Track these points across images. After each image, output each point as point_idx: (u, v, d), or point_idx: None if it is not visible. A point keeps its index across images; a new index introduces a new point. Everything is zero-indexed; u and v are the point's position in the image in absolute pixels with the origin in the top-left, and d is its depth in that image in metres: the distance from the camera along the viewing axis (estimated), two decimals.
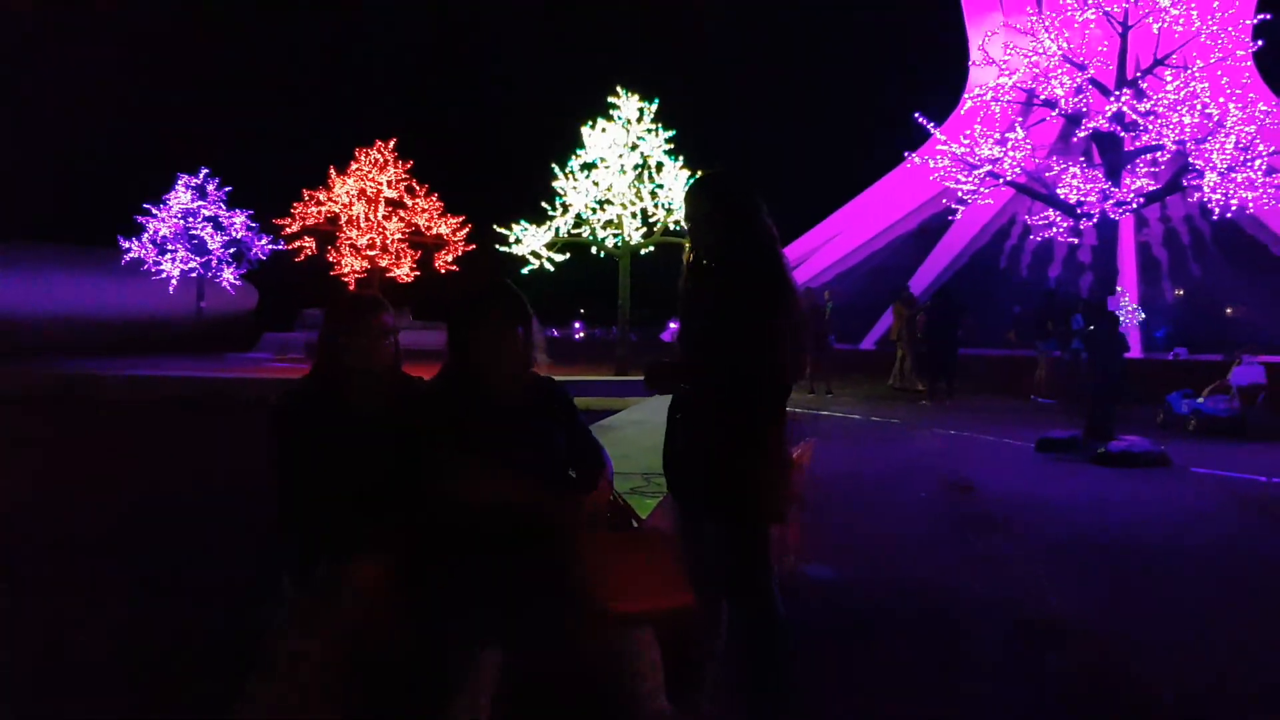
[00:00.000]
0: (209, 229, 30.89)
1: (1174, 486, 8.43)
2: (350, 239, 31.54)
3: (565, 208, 21.81)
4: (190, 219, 30.77)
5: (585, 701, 2.52)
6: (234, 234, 31.15)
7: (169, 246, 30.46)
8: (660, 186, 21.65)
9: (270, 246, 31.56)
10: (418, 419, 2.76)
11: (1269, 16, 12.46)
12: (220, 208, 31.04)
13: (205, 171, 31.19)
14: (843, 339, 24.58)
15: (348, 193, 31.56)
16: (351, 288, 29.11)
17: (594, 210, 21.73)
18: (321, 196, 31.48)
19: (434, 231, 32.30)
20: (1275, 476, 8.78)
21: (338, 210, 31.54)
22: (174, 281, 30.57)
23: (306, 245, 30.99)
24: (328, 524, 2.77)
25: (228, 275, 31.35)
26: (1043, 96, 10.54)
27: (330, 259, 31.45)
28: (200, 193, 31.03)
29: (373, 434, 2.84)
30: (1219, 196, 9.90)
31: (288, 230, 31.04)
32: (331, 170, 31.78)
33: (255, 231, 31.46)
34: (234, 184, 31.65)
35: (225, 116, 46.84)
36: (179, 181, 30.82)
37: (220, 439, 11.36)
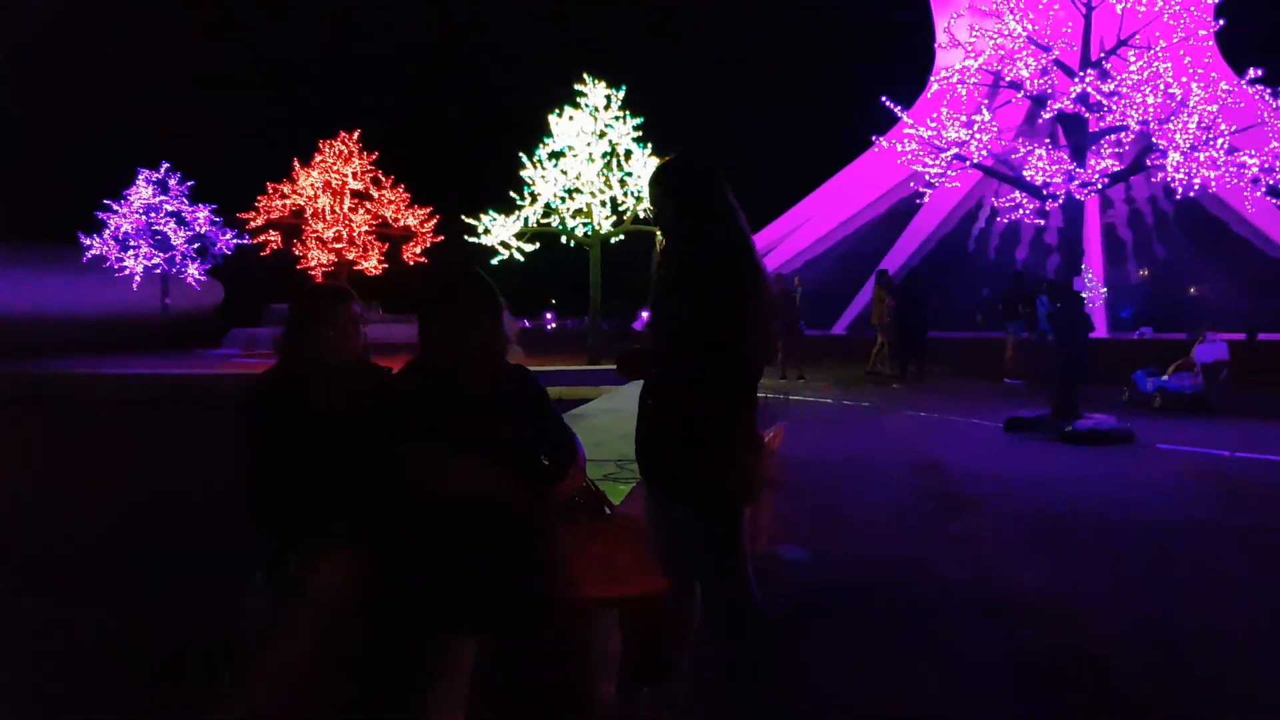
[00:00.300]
0: (172, 224, 30.40)
1: (1139, 463, 8.55)
2: (316, 232, 31.21)
3: (534, 197, 21.70)
4: (152, 215, 30.25)
5: (541, 688, 2.52)
6: (197, 229, 30.66)
7: (131, 243, 29.95)
8: (629, 174, 21.59)
9: (235, 241, 31.14)
10: (387, 410, 2.72)
11: None
12: (183, 203, 30.53)
13: (166, 166, 30.69)
14: (814, 325, 24.68)
15: (312, 185, 31.21)
16: (319, 280, 28.74)
17: (563, 199, 21.65)
18: (286, 189, 31.11)
19: (401, 223, 32.05)
20: (1238, 451, 8.92)
21: (303, 203, 31.18)
22: (137, 278, 30.09)
23: (271, 239, 30.63)
24: (298, 518, 2.74)
25: (192, 271, 30.88)
26: (1008, 78, 10.56)
27: (296, 253, 31.09)
28: (162, 188, 30.51)
29: (341, 426, 2.80)
30: (1182, 176, 9.99)
31: (252, 224, 30.66)
32: (295, 163, 31.42)
33: (219, 226, 30.99)
34: (196, 178, 31.18)
35: (186, 110, 46.18)
36: (140, 177, 30.31)
37: (200, 436, 11.22)
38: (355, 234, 31.59)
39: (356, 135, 31.95)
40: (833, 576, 5.01)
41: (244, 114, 47.51)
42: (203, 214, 30.61)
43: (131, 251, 29.92)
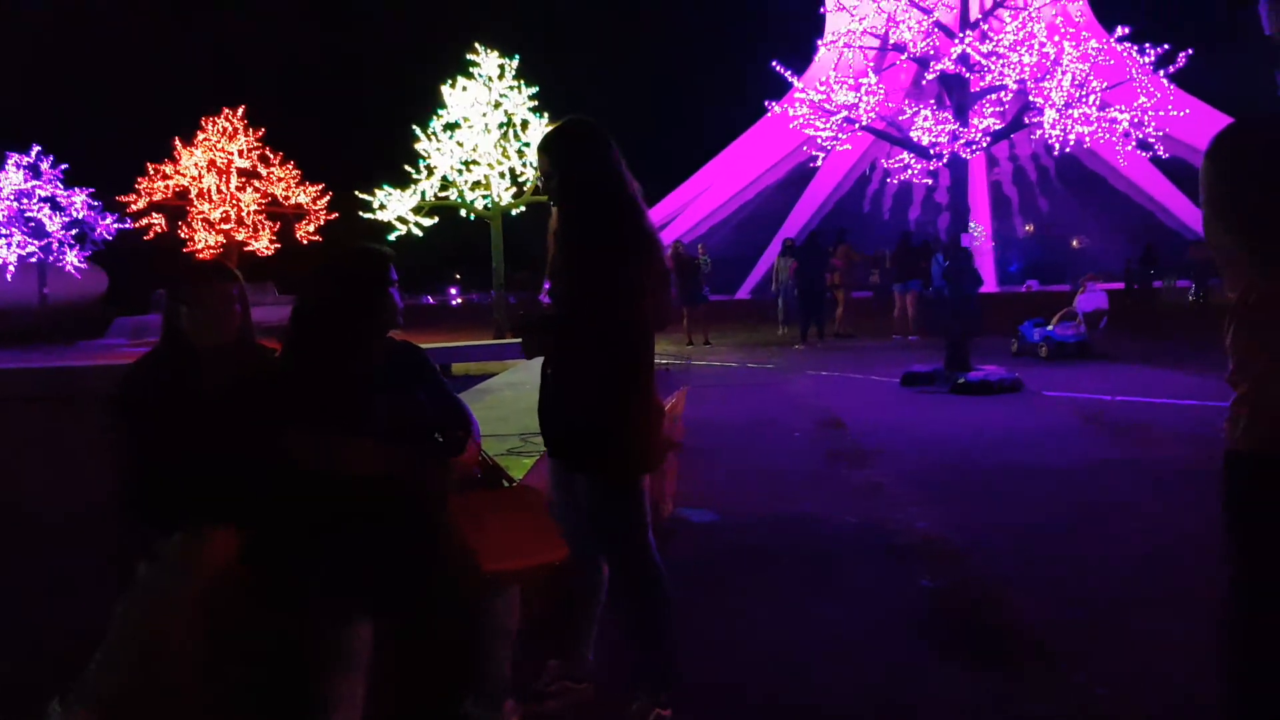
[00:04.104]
0: (46, 210, 28.85)
1: (1027, 410, 8.93)
2: (202, 213, 30.09)
3: (430, 170, 21.29)
4: (24, 200, 28.65)
5: (442, 664, 2.52)
6: (75, 214, 29.16)
7: (3, 231, 28.35)
8: (527, 145, 21.33)
9: (116, 226, 29.73)
10: (271, 392, 2.66)
11: None
12: (57, 187, 28.97)
13: (38, 149, 29.05)
14: (718, 289, 24.95)
15: (196, 165, 30.02)
16: (194, 260, 27.74)
17: (460, 172, 21.29)
18: (168, 170, 29.85)
19: (292, 201, 31.10)
20: (1119, 395, 9.39)
21: (187, 184, 29.98)
22: (11, 268, 28.51)
23: (155, 222, 29.42)
24: (179, 505, 2.66)
25: (71, 259, 29.38)
26: (893, 41, 10.78)
27: (182, 235, 29.92)
28: (34, 172, 28.90)
29: (223, 409, 2.73)
30: (1058, 133, 10.38)
31: (133, 208, 29.36)
32: (177, 142, 30.14)
33: (98, 211, 29.52)
34: (71, 161, 29.61)
35: (56, 90, 43.70)
36: (8, 161, 28.62)
37: (71, 431, 10.73)
38: (244, 214, 30.55)
39: (241, 111, 30.81)
40: (740, 534, 5.11)
41: (119, 91, 45.23)
42: (79, 198, 29.11)
43: (3, 240, 28.32)
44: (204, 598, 2.49)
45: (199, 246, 29.85)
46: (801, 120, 11.32)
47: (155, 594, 2.59)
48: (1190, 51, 10.55)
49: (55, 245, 29.04)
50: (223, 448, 2.66)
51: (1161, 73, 10.65)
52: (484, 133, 21.25)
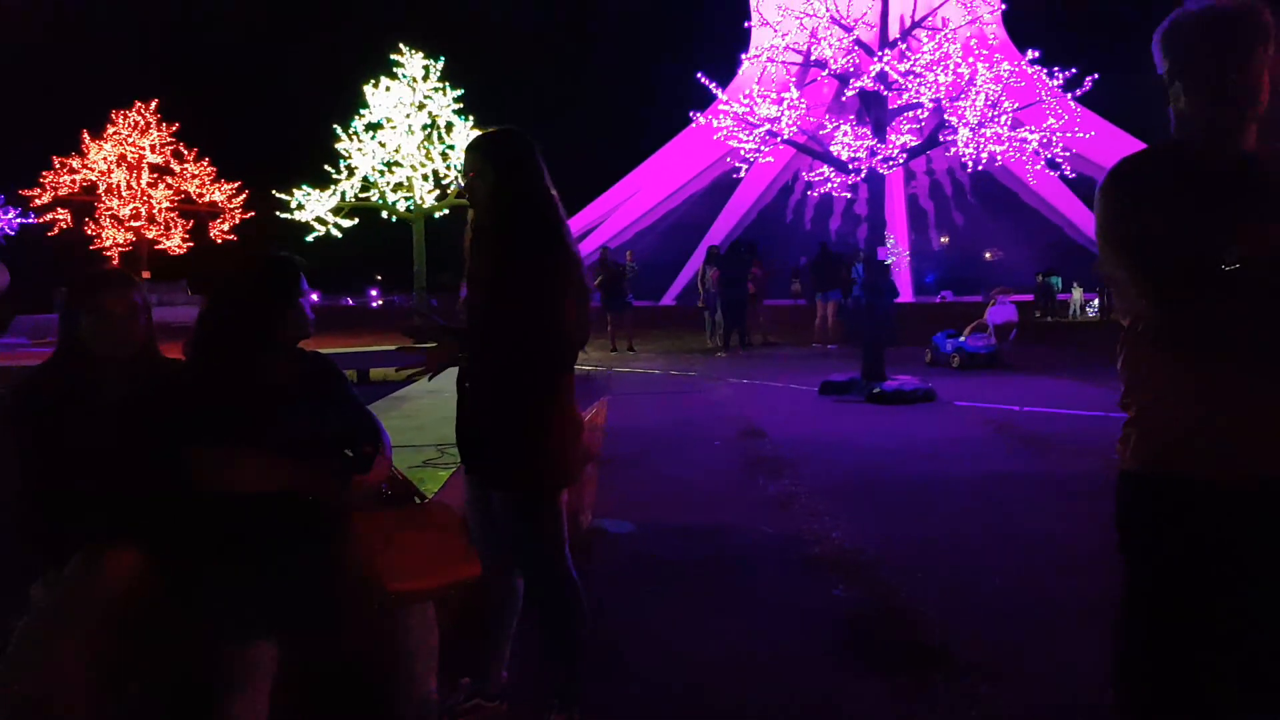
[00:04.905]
0: None
1: (940, 420, 9.17)
2: (111, 209, 29.04)
3: (350, 170, 20.93)
4: None
5: (359, 687, 2.47)
6: None
7: None
8: (451, 147, 21.15)
9: (18, 221, 28.48)
10: (172, 406, 2.58)
11: None
12: None
13: None
14: (644, 295, 25.04)
15: (105, 159, 28.97)
16: (115, 262, 26.81)
17: (382, 173, 20.98)
18: (75, 164, 28.74)
19: (207, 199, 30.24)
20: (1026, 406, 9.70)
21: (95, 178, 28.91)
22: None
23: (60, 218, 28.31)
24: (76, 523, 2.55)
25: None
26: (815, 57, 10.98)
27: (89, 232, 28.84)
28: None
29: (122, 422, 2.63)
30: (971, 150, 10.70)
31: (37, 202, 28.19)
32: (85, 135, 29.04)
33: None
34: None
35: None
36: None
37: None
38: (155, 211, 29.57)
39: (154, 105, 29.84)
40: (657, 546, 5.13)
41: (22, 80, 43.37)
42: None
43: None
44: (103, 618, 2.40)
45: (107, 244, 28.82)
46: (725, 132, 11.46)
47: (52, 615, 2.48)
48: (1096, 76, 10.97)
49: None
50: (122, 463, 2.57)
51: (1070, 95, 11.07)
52: (407, 134, 20.99)
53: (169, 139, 30.07)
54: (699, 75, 11.77)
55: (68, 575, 2.50)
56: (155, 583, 2.44)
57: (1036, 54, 11.04)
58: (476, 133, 18.05)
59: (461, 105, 21.42)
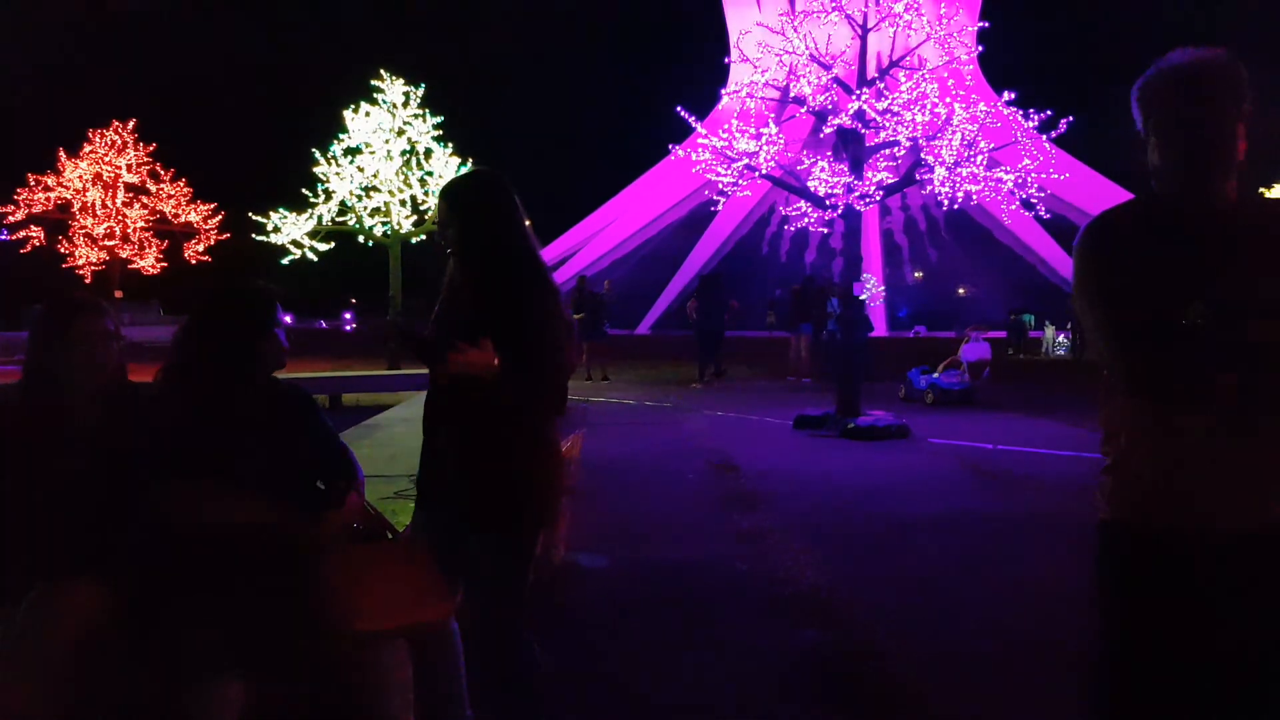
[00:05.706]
0: None
1: (913, 457, 9.19)
2: (85, 228, 28.78)
3: (328, 194, 20.88)
4: None
5: None
6: None
7: None
8: (430, 174, 21.16)
9: None
10: (142, 437, 2.53)
11: (989, 24, 14.04)
12: None
13: None
14: (619, 325, 25.07)
15: (80, 177, 28.74)
16: (89, 280, 26.57)
17: (359, 198, 20.95)
18: (50, 181, 28.49)
19: (182, 219, 30.04)
20: (999, 444, 9.75)
21: (70, 196, 28.67)
22: None
23: (34, 235, 28.02)
24: (40, 553, 2.49)
25: None
26: (793, 94, 11.10)
27: (63, 250, 28.55)
28: None
29: (90, 450, 2.58)
30: (947, 189, 10.82)
31: (11, 219, 27.92)
32: (61, 153, 28.82)
33: None
34: None
35: None
36: None
37: None
38: (130, 230, 29.34)
39: (132, 125, 29.68)
40: (627, 583, 5.09)
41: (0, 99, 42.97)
42: None
43: None
44: (63, 657, 2.33)
45: (80, 262, 28.54)
46: (703, 165, 11.54)
47: (9, 653, 2.41)
48: (1071, 119, 11.15)
49: None
50: (88, 494, 2.51)
51: (1045, 136, 11.23)
52: (386, 159, 20.99)
53: (146, 159, 29.94)
54: (678, 108, 11.87)
55: (24, 614, 2.43)
56: (117, 620, 2.39)
57: (1013, 95, 11.23)
58: (455, 160, 18.07)
59: (441, 132, 21.48)
